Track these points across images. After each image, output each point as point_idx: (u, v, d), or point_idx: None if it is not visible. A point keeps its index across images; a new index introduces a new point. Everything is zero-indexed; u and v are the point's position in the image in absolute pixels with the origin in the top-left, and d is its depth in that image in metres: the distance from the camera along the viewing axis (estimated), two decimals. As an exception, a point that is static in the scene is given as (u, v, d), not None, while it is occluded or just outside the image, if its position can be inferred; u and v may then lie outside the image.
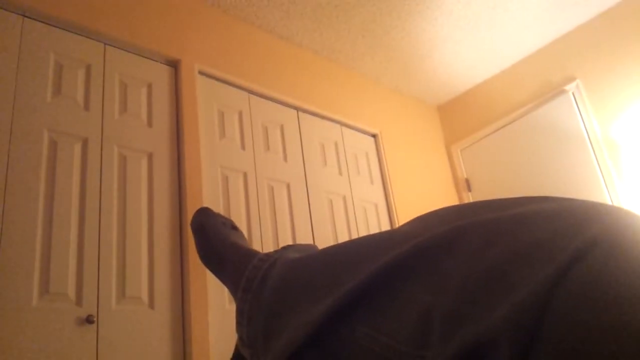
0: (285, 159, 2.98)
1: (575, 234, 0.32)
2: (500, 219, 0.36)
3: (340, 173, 3.26)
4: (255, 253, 0.60)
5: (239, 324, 0.54)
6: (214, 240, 0.67)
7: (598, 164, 3.35)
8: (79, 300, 1.96)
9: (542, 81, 3.75)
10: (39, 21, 2.26)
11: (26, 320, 1.81)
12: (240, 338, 0.54)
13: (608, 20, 3.47)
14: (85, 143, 2.21)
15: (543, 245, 0.32)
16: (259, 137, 2.90)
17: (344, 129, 3.45)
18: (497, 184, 3.87)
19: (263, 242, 2.64)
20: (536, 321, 0.28)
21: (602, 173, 3.33)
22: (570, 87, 3.56)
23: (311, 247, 0.62)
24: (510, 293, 0.30)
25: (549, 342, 0.28)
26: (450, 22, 3.39)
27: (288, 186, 2.91)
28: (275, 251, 0.58)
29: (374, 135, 3.64)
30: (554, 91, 3.65)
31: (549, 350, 0.27)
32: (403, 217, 3.43)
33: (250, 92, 2.97)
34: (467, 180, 4.07)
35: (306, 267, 0.51)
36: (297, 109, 3.19)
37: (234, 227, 0.73)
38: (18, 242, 1.89)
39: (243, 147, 2.79)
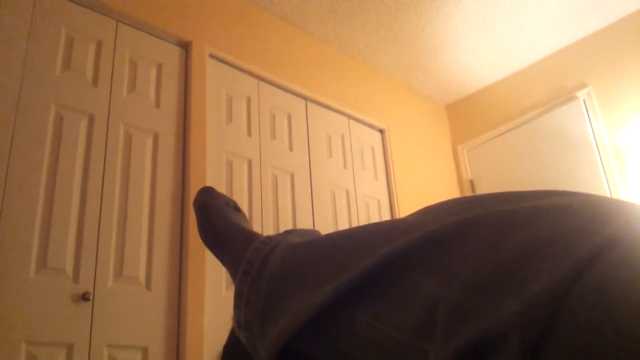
0: (290, 148, 2.96)
1: (593, 231, 0.30)
2: (516, 211, 0.35)
3: (345, 166, 3.25)
4: (258, 236, 0.59)
5: (236, 306, 0.53)
6: (216, 220, 0.66)
7: (604, 171, 3.33)
8: (75, 277, 1.96)
9: (553, 86, 3.72)
10: (52, -6, 2.25)
11: (22, 293, 1.81)
12: (237, 321, 0.53)
13: (622, 28, 3.44)
14: (91, 119, 2.20)
15: (560, 240, 0.30)
16: (266, 125, 2.89)
17: (351, 122, 3.43)
18: (502, 186, 3.85)
19: (264, 229, 2.63)
20: (549, 318, 0.27)
21: (607, 180, 3.31)
22: (581, 94, 3.53)
23: (314, 233, 0.61)
24: (523, 287, 0.29)
25: (561, 340, 0.27)
26: (466, 20, 3.36)
27: (292, 176, 2.90)
28: (278, 234, 0.57)
29: (381, 130, 3.62)
30: (564, 97, 3.62)
31: (561, 348, 0.26)
32: (405, 214, 3.41)
33: (260, 78, 2.96)
34: (471, 182, 4.05)
35: (308, 252, 0.49)
36: (305, 98, 3.18)
37: (237, 209, 0.72)
38: (19, 214, 1.88)
39: (249, 133, 2.78)
